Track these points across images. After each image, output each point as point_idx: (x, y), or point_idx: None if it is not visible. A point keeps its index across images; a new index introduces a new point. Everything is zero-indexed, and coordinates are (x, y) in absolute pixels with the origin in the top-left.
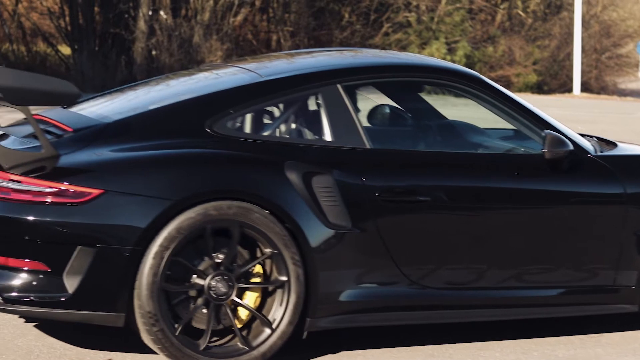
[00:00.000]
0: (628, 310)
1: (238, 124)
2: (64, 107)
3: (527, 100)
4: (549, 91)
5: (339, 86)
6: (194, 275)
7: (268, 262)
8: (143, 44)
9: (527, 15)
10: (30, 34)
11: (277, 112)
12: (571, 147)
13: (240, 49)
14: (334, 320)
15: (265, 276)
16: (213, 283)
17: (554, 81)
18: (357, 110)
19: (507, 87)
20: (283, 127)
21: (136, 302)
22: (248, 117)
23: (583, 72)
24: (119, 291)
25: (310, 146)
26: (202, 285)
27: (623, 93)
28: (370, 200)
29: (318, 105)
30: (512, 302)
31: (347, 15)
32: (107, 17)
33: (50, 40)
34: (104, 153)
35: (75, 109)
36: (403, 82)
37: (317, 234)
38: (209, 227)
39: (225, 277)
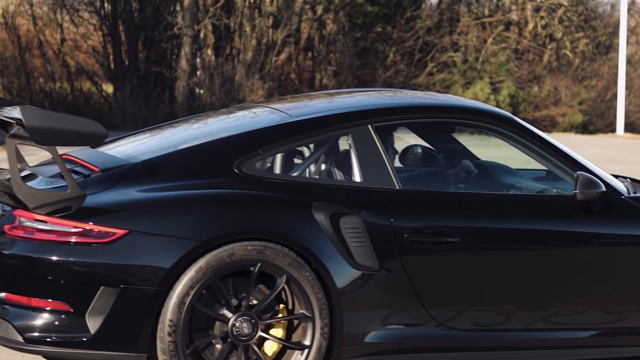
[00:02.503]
0: None
1: (267, 165)
2: (92, 147)
3: (569, 140)
4: (595, 131)
5: (369, 127)
6: (219, 315)
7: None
8: (185, 83)
9: (575, 55)
10: (74, 73)
11: (306, 153)
12: (603, 188)
13: (283, 88)
14: None
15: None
16: (237, 323)
17: (600, 121)
18: (391, 150)
19: (553, 127)
20: (312, 168)
21: (158, 343)
22: (277, 158)
23: (632, 112)
24: (142, 332)
25: (338, 187)
26: (227, 325)
27: None
28: (398, 241)
29: (348, 145)
30: (540, 344)
31: (391, 55)
32: (149, 55)
33: (94, 78)
34: (131, 193)
35: (104, 148)
36: (434, 122)
37: (344, 275)
38: (233, 267)
39: (249, 318)
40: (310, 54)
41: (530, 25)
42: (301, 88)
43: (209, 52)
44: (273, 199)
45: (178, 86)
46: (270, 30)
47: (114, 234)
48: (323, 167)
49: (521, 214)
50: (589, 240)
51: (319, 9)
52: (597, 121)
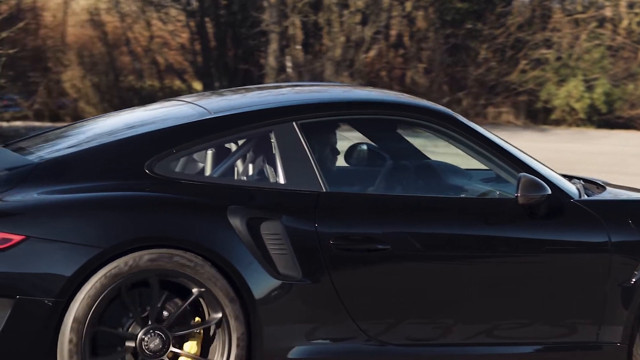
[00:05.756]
0: None
1: (181, 165)
2: (2, 146)
3: None
4: None
5: (294, 124)
6: (123, 329)
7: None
8: (273, 80)
9: None
10: (163, 70)
11: (225, 152)
12: (548, 191)
13: (373, 85)
14: None
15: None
16: (146, 337)
17: None
18: (328, 149)
19: None
20: (231, 168)
21: (59, 358)
22: (193, 158)
23: None
24: (40, 346)
25: (258, 189)
26: (134, 341)
27: None
28: (323, 248)
29: (271, 144)
30: None
31: (483, 52)
32: (237, 52)
33: (183, 76)
34: (31, 196)
35: (14, 147)
36: (371, 119)
37: (263, 285)
38: (137, 278)
39: (159, 331)
40: (400, 50)
41: (625, 22)
42: (392, 85)
43: (298, 48)
44: (185, 202)
45: (266, 84)
46: (359, 27)
47: (10, 240)
48: (243, 167)
49: (458, 219)
50: (533, 247)
51: (408, 6)
52: None
